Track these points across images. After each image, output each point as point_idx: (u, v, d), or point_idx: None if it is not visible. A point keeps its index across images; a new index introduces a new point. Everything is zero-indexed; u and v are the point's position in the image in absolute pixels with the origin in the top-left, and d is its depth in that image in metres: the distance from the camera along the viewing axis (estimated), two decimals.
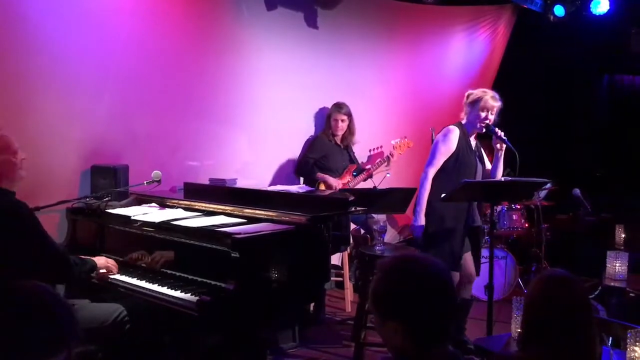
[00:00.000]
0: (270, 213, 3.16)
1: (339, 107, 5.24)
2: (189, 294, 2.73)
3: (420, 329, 1.52)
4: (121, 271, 3.15)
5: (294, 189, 4.04)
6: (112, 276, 3.12)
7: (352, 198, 3.32)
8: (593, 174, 7.22)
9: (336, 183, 5.14)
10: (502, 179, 3.44)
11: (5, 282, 1.32)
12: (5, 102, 3.47)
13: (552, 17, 6.69)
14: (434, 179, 3.88)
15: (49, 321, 1.27)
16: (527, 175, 3.73)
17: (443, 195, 3.59)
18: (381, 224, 3.69)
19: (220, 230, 2.84)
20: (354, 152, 5.48)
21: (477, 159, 3.91)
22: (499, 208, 5.57)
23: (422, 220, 3.78)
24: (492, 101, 3.80)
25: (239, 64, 4.80)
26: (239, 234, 2.73)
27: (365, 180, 5.30)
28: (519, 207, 5.75)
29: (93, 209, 3.50)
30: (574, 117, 7.62)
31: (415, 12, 6.10)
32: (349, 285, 5.00)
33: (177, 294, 2.77)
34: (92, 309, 3.01)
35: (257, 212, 3.21)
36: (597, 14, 6.51)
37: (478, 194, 3.57)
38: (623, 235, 5.71)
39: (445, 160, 3.86)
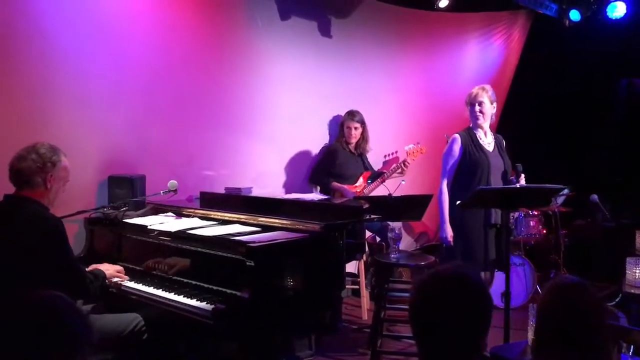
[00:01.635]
0: (285, 221, 3.18)
1: (351, 114, 5.25)
2: (205, 303, 2.75)
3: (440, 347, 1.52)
4: (138, 280, 3.17)
5: (308, 197, 4.06)
6: (128, 284, 3.14)
7: (366, 206, 3.33)
8: (611, 179, 7.13)
9: (351, 191, 5.14)
10: (518, 185, 3.43)
11: (17, 291, 1.34)
12: (26, 115, 3.54)
13: (567, 22, 6.64)
14: (451, 187, 3.96)
15: (62, 329, 1.29)
16: (545, 182, 3.74)
17: (458, 202, 3.59)
18: (396, 231, 3.68)
19: (234, 239, 2.86)
20: (367, 159, 5.49)
21: (492, 156, 3.92)
22: (516, 214, 5.53)
23: (448, 232, 3.85)
24: (474, 94, 3.95)
25: (253, 73, 4.84)
26: (253, 242, 2.74)
27: (378, 186, 5.30)
28: (536, 213, 5.70)
29: (110, 218, 3.55)
30: (592, 122, 7.54)
31: (429, 19, 6.10)
32: (365, 293, 4.99)
33: (193, 302, 2.79)
34: (110, 318, 3.04)
35: (272, 220, 3.23)
36: (614, 18, 6.45)
37: (493, 200, 3.56)
38: None
39: (456, 168, 3.95)
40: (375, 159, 5.68)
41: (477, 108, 3.93)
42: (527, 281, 5.43)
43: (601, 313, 1.83)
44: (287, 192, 5.03)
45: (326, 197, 4.76)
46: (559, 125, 7.40)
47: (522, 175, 3.93)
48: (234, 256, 2.77)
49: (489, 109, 3.96)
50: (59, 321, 1.29)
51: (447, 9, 5.76)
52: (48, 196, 2.81)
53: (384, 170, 5.64)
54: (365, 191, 5.24)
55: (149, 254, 3.30)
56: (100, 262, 3.28)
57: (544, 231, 5.81)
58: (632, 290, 4.01)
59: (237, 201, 3.86)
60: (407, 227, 6.18)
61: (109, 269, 3.16)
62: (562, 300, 1.82)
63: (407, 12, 5.91)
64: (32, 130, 3.45)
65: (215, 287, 2.90)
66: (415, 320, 1.57)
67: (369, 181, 5.28)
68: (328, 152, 5.34)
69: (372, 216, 3.27)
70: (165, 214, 3.68)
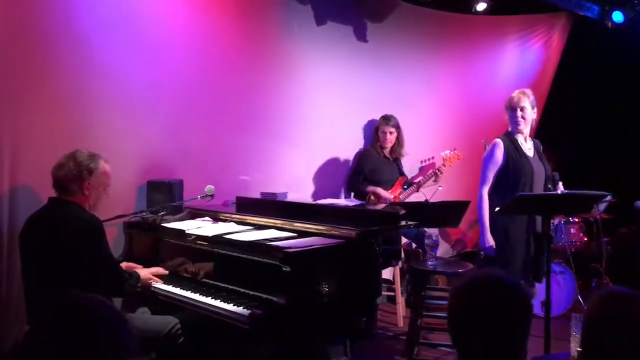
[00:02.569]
0: (320, 227, 3.17)
1: (386, 119, 5.22)
2: (241, 307, 2.75)
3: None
4: (174, 283, 3.20)
5: (342, 202, 4.05)
6: (163, 287, 3.17)
7: (402, 212, 3.29)
8: None
9: (387, 195, 5.10)
10: (559, 192, 3.34)
11: (61, 294, 1.36)
12: (68, 121, 3.62)
13: (610, 24, 6.48)
14: (492, 193, 3.85)
15: (105, 333, 1.30)
16: (585, 189, 3.64)
17: (497, 208, 3.51)
18: (433, 238, 3.63)
19: (271, 244, 2.87)
20: (402, 165, 5.44)
21: (534, 162, 3.83)
22: (556, 221, 5.40)
23: (489, 240, 3.74)
24: (516, 99, 3.82)
25: (288, 78, 4.86)
26: (290, 248, 2.74)
27: (415, 191, 5.24)
28: (577, 220, 5.56)
29: (149, 222, 3.60)
30: (633, 127, 7.33)
31: (466, 23, 6.03)
32: (400, 300, 4.94)
33: (229, 307, 2.79)
34: (147, 319, 3.09)
35: (307, 226, 3.23)
36: None
37: (533, 206, 3.48)
38: None
39: (498, 174, 3.83)
40: (411, 164, 5.63)
41: (519, 113, 3.81)
42: (568, 290, 5.29)
43: None
44: (320, 198, 5.02)
45: (361, 202, 4.75)
46: (600, 130, 7.22)
47: (560, 183, 3.83)
48: (270, 261, 2.77)
49: (531, 114, 3.85)
50: (101, 325, 1.30)
51: (485, 12, 5.68)
52: (88, 202, 2.89)
53: (420, 176, 5.59)
54: (401, 197, 5.19)
55: (186, 257, 3.34)
56: (140, 264, 3.33)
57: (585, 239, 5.67)
58: None
59: (272, 206, 3.87)
60: (444, 233, 6.10)
61: (143, 271, 3.20)
62: (612, 312, 1.75)
63: (444, 16, 5.85)
64: (74, 136, 3.52)
65: (251, 292, 2.90)
66: (453, 325, 1.55)
67: (405, 187, 5.23)
68: (362, 158, 5.31)
69: (409, 222, 3.23)
70: (202, 219, 3.71)
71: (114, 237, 3.71)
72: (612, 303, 1.79)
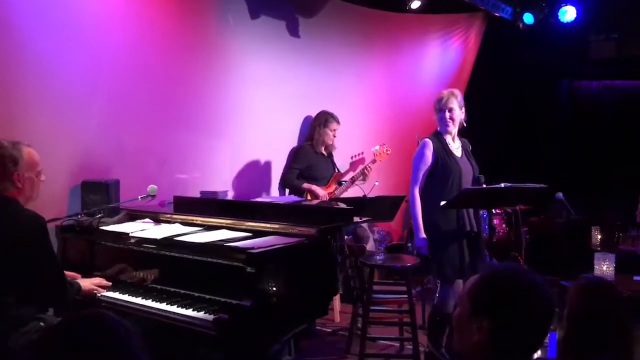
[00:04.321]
0: (275, 226, 3.09)
1: (334, 117, 5.19)
2: (202, 312, 2.63)
3: (510, 335, 1.51)
4: (121, 290, 3.00)
5: (283, 199, 3.99)
6: (109, 294, 2.98)
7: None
8: (563, 177, 7.41)
9: (323, 193, 5.09)
10: (502, 185, 3.47)
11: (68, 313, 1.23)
12: None
13: (521, 25, 6.85)
14: (421, 192, 3.89)
15: (119, 349, 1.19)
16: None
17: (443, 203, 3.59)
18: (382, 233, 3.65)
19: (231, 245, 2.76)
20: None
21: (462, 162, 3.93)
22: (480, 213, 5.62)
23: (423, 234, 3.77)
24: (444, 100, 3.87)
25: (225, 73, 4.73)
26: (253, 248, 2.65)
27: (349, 188, 5.28)
28: (499, 211, 5.83)
29: (85, 226, 3.36)
30: (541, 122, 7.84)
31: (393, 20, 6.14)
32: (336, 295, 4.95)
33: (189, 312, 2.66)
34: None
35: (260, 225, 3.14)
36: (565, 22, 6.69)
37: (477, 200, 3.59)
38: (599, 237, 5.88)
39: (427, 174, 3.88)
40: (342, 159, 5.66)
41: (447, 114, 3.85)
42: None
43: (628, 312, 1.86)
44: (254, 195, 4.93)
45: (301, 199, 4.71)
46: (510, 124, 7.65)
47: (483, 186, 3.93)
48: (230, 263, 2.67)
49: (459, 115, 3.91)
50: (114, 341, 1.19)
51: (420, 10, 5.78)
52: (24, 194, 2.64)
53: (351, 171, 5.65)
54: (337, 193, 5.21)
55: (130, 262, 3.13)
56: (74, 272, 3.09)
57: (507, 229, 5.96)
58: None
59: (214, 205, 3.71)
60: (370, 227, 6.19)
61: (85, 282, 2.97)
62: (592, 302, 1.83)
63: (371, 13, 5.92)
64: (1, 134, 3.20)
65: (207, 296, 2.78)
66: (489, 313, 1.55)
67: (343, 182, 5.25)
68: (297, 155, 5.26)
69: (363, 218, 3.23)
70: (142, 220, 3.51)
71: None
72: (592, 293, 1.87)
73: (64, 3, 3.64)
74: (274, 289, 2.66)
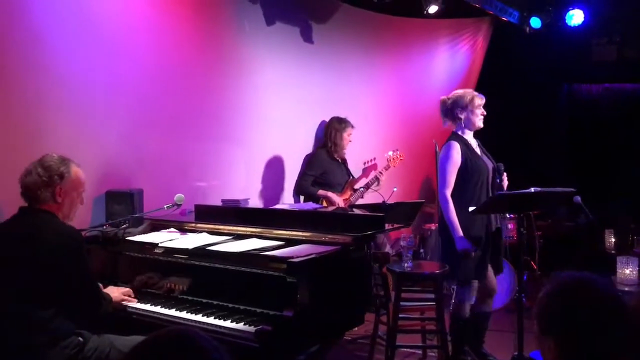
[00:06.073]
0: (306, 234, 3.04)
1: (349, 123, 5.17)
2: (242, 324, 2.57)
3: (580, 357, 1.43)
4: (151, 302, 2.94)
5: (304, 207, 3.93)
6: (140, 306, 2.91)
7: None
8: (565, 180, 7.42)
9: (339, 199, 5.05)
10: (532, 190, 3.44)
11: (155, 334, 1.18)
12: (19, 126, 3.25)
13: (528, 29, 6.85)
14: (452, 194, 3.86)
15: None
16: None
17: (472, 208, 3.56)
18: (408, 240, 3.60)
19: (269, 254, 2.71)
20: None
21: (484, 159, 3.92)
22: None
23: (466, 240, 3.71)
24: (476, 98, 3.91)
25: (241, 80, 4.70)
26: (293, 257, 2.60)
27: (361, 196, 5.24)
28: (513, 216, 5.80)
29: (109, 237, 3.30)
30: (539, 124, 7.85)
31: (403, 25, 6.13)
32: None
33: (228, 324, 2.60)
34: (124, 342, 2.80)
35: (291, 233, 3.09)
36: (572, 26, 6.70)
37: (506, 205, 3.56)
38: (613, 240, 5.87)
39: (456, 176, 3.85)
40: (353, 165, 5.62)
41: (480, 111, 3.87)
42: (509, 283, 5.51)
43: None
44: (276, 202, 4.88)
45: (318, 206, 4.66)
46: (515, 130, 7.65)
47: (505, 174, 3.94)
48: (269, 273, 2.62)
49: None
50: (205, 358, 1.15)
51: (437, 15, 5.76)
52: (62, 210, 2.61)
53: (364, 177, 5.62)
54: (352, 199, 5.17)
55: (158, 273, 3.07)
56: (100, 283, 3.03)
57: (520, 233, 5.92)
58: (626, 288, 4.16)
59: (238, 214, 3.66)
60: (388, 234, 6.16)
61: (114, 291, 2.93)
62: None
63: (382, 18, 5.89)
64: (25, 142, 3.16)
65: (242, 307, 2.73)
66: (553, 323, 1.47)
67: (362, 188, 5.21)
68: (312, 161, 5.21)
69: (395, 225, 3.19)
70: (167, 230, 3.45)
71: None
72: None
73: (87, 14, 3.60)
74: (314, 298, 2.61)
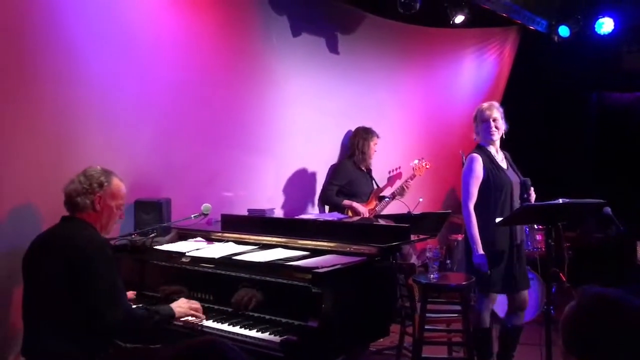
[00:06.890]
0: (331, 244, 3.05)
1: (375, 133, 5.19)
2: (267, 334, 2.58)
3: None
4: None
5: (328, 216, 3.94)
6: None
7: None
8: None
9: (364, 209, 5.05)
10: (560, 201, 3.39)
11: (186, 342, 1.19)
12: (50, 136, 3.33)
13: (556, 38, 6.76)
14: (475, 207, 3.83)
15: None
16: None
17: (499, 220, 3.53)
18: (434, 251, 3.58)
19: (294, 265, 2.72)
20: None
21: (509, 173, 3.88)
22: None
23: (481, 250, 3.70)
24: (488, 110, 3.87)
25: (267, 91, 4.75)
26: (318, 268, 2.60)
27: (386, 206, 5.23)
28: (541, 227, 5.72)
29: (138, 245, 3.34)
30: (568, 134, 7.73)
31: (429, 35, 6.12)
32: None
33: (254, 334, 2.60)
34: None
35: (316, 243, 3.10)
36: (602, 34, 6.60)
37: (534, 216, 3.52)
38: None
39: (479, 188, 3.83)
40: (378, 174, 5.61)
41: (492, 124, 3.84)
42: (538, 295, 5.43)
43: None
44: (303, 212, 4.90)
45: (344, 216, 4.66)
46: (543, 139, 7.54)
47: (532, 189, 3.89)
48: (294, 283, 2.63)
49: (502, 125, 3.90)
50: None
51: (464, 24, 5.75)
52: (100, 220, 2.67)
53: (389, 186, 5.60)
54: (377, 209, 5.16)
55: (184, 282, 3.10)
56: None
57: (548, 244, 5.83)
58: None
59: (264, 223, 3.68)
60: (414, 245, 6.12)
61: (182, 306, 2.78)
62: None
63: (407, 28, 5.89)
64: (57, 152, 3.23)
65: (267, 317, 2.73)
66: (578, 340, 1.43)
67: (387, 198, 5.20)
68: (337, 171, 5.23)
69: (421, 236, 3.17)
70: (194, 239, 3.49)
71: None
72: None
73: (118, 25, 3.67)
74: (340, 309, 2.61)
